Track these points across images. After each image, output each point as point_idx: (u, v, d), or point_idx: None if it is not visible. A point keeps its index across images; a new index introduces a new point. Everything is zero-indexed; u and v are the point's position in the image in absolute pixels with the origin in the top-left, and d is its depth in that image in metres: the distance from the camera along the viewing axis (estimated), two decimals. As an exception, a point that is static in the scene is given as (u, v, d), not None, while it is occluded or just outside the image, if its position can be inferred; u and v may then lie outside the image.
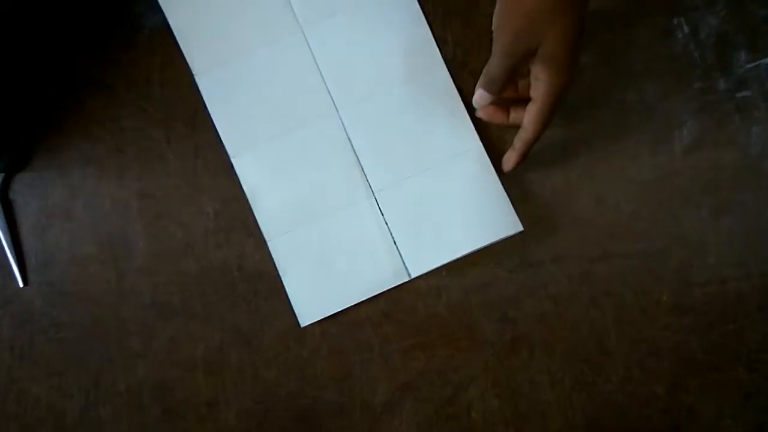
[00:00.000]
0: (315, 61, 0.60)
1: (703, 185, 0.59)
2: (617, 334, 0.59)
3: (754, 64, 0.59)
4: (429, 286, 0.60)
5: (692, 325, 0.59)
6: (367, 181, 0.60)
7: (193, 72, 0.60)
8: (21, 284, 0.61)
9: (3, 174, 0.62)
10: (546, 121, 0.53)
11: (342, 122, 0.60)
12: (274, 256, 0.60)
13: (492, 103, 0.55)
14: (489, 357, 0.60)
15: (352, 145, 0.60)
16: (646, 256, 0.59)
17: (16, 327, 0.61)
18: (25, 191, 0.62)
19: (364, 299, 0.59)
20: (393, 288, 0.59)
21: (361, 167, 0.60)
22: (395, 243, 0.59)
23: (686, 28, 0.60)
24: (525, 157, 0.56)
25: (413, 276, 0.59)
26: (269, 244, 0.60)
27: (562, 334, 0.59)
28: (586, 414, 0.59)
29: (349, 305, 0.59)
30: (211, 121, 0.61)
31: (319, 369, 0.60)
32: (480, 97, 0.55)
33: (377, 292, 0.59)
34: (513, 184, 0.60)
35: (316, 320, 0.59)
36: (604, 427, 0.59)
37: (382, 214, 0.60)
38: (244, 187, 0.60)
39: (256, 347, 0.60)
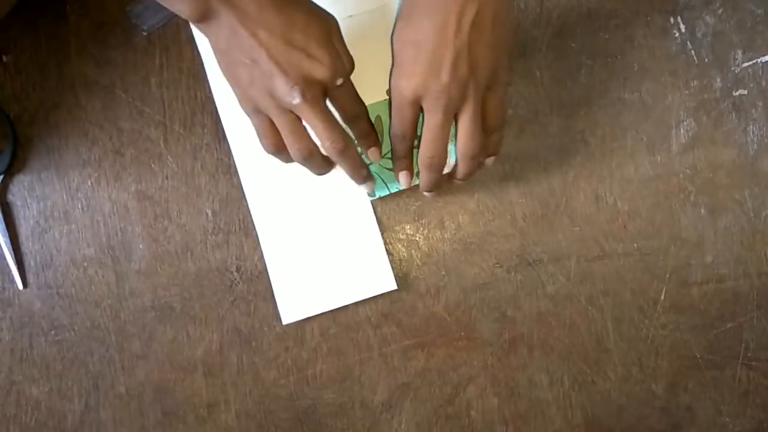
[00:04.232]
0: None
1: (701, 184, 0.59)
2: (616, 333, 0.59)
3: (750, 62, 0.60)
4: (428, 286, 0.60)
5: (690, 323, 0.59)
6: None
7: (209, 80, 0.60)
8: (20, 287, 0.61)
9: (1, 176, 0.62)
10: (395, 125, 0.53)
11: None
12: (264, 253, 0.60)
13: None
14: (488, 356, 0.60)
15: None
16: (644, 255, 0.59)
17: (15, 329, 0.61)
18: (23, 193, 0.62)
19: (349, 303, 0.60)
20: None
21: None
22: (387, 251, 0.59)
23: (683, 27, 0.60)
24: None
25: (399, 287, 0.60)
26: (261, 240, 0.60)
27: (561, 333, 0.59)
28: (585, 413, 0.59)
29: (334, 308, 0.60)
30: (217, 122, 0.61)
31: (319, 369, 0.60)
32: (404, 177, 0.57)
33: (363, 298, 0.59)
34: (511, 184, 0.60)
35: (298, 319, 0.59)
36: (603, 426, 0.59)
37: (377, 221, 0.60)
38: (245, 186, 0.61)
39: (255, 348, 0.60)
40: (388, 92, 0.58)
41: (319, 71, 0.48)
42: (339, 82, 0.50)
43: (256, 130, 0.52)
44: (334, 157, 0.51)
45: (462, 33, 0.47)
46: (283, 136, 0.50)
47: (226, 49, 0.49)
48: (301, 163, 0.52)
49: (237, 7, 0.47)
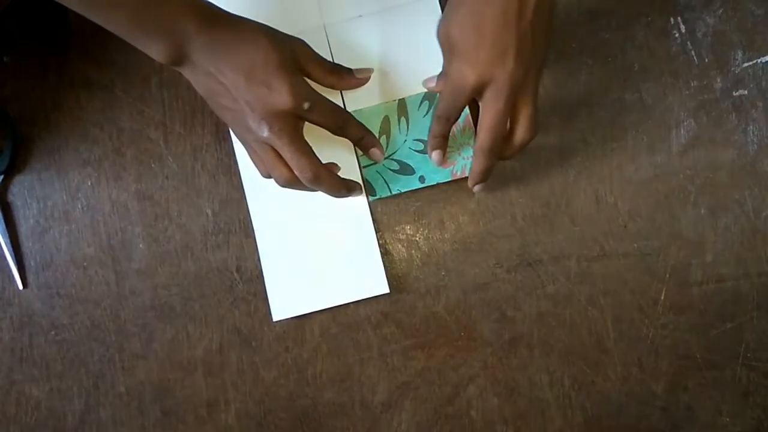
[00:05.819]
0: (333, 60, 0.60)
1: (701, 184, 0.59)
2: (616, 333, 0.59)
3: (750, 63, 0.60)
4: (428, 286, 0.60)
5: (690, 323, 0.59)
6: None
7: None
8: (20, 286, 0.62)
9: (2, 176, 0.62)
10: (443, 108, 0.53)
11: None
12: (260, 250, 0.60)
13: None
14: (488, 356, 0.60)
15: (354, 148, 0.60)
16: (644, 255, 0.59)
17: (15, 329, 0.61)
18: (23, 193, 0.62)
19: (343, 303, 0.60)
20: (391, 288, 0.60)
21: (361, 172, 0.60)
22: (382, 254, 0.60)
23: (683, 28, 0.60)
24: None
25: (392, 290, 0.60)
26: (257, 238, 0.60)
27: (561, 333, 0.59)
28: (585, 413, 0.59)
29: (327, 307, 0.60)
30: (217, 122, 0.61)
31: (319, 369, 0.60)
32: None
33: (355, 300, 0.60)
34: (511, 184, 0.60)
35: (289, 317, 0.60)
36: (603, 426, 0.59)
37: (377, 221, 0.60)
38: (245, 186, 0.61)
39: (255, 348, 0.60)
40: (426, 84, 0.58)
41: (281, 102, 0.51)
42: (306, 106, 0.51)
43: (249, 157, 0.56)
44: (308, 185, 0.53)
45: (525, 18, 0.47)
46: (266, 165, 0.54)
47: (206, 93, 0.53)
48: (287, 187, 0.55)
49: (205, 52, 0.50)
